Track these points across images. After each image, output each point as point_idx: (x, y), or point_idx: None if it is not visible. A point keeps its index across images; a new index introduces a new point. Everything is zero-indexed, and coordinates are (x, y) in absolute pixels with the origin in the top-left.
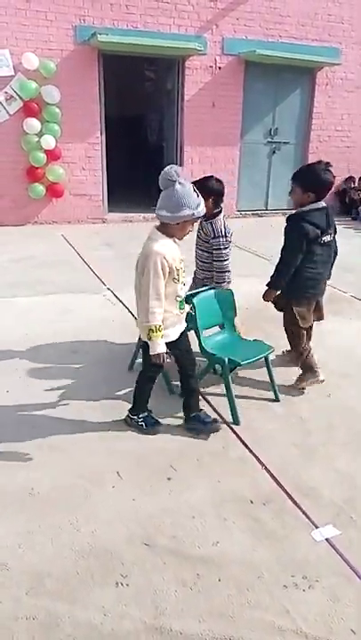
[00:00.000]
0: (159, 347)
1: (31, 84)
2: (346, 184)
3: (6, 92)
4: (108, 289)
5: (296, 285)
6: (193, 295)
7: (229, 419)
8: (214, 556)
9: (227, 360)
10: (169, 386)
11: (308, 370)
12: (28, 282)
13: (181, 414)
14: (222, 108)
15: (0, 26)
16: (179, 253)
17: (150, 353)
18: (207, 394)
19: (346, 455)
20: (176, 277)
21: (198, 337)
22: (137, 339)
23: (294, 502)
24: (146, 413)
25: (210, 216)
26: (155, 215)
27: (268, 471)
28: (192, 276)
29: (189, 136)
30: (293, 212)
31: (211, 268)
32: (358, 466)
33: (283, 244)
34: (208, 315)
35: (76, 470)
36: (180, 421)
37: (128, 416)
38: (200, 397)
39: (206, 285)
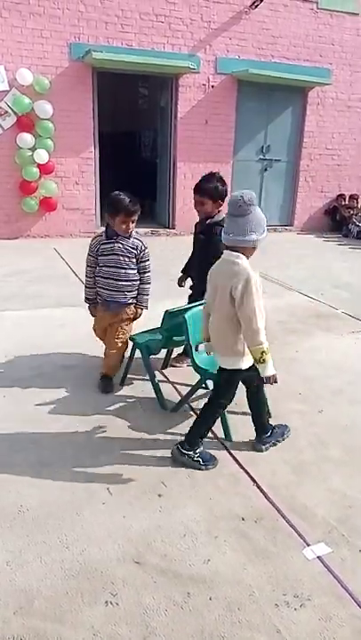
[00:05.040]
0: (272, 367)
1: (25, 99)
2: (336, 202)
3: (0, 108)
4: None
5: None
6: (185, 310)
7: (221, 435)
8: (205, 574)
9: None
10: (161, 401)
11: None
12: (21, 296)
13: (173, 430)
14: (215, 125)
15: None
16: None
17: (266, 374)
18: (198, 409)
19: (338, 472)
20: None
21: (191, 352)
22: (129, 354)
23: (286, 520)
24: (201, 447)
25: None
26: (236, 240)
27: (260, 488)
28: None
29: (182, 152)
30: (213, 221)
31: None
32: (351, 483)
33: (214, 250)
34: (200, 330)
35: (65, 487)
36: (172, 437)
37: (180, 451)
38: (192, 413)
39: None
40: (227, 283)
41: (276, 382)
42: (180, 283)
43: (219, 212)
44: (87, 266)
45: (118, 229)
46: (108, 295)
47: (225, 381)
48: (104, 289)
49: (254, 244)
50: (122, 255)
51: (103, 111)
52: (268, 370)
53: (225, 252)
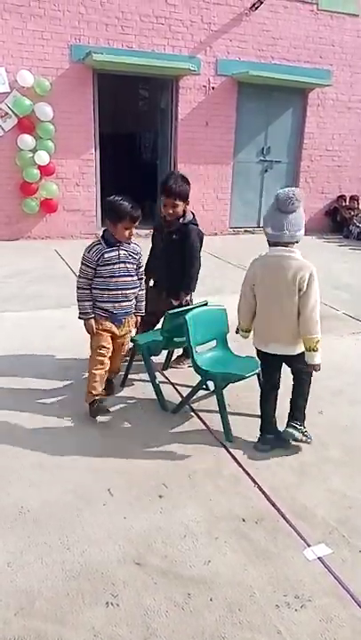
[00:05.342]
0: (320, 356)
1: (25, 101)
2: (337, 203)
3: (1, 109)
4: None
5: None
6: (186, 311)
7: (222, 436)
8: (206, 575)
9: (219, 376)
10: (162, 402)
11: None
12: (21, 297)
13: (174, 431)
14: (216, 127)
15: None
16: None
17: (316, 362)
18: (199, 410)
19: (338, 473)
20: None
21: (191, 353)
22: (130, 355)
23: (287, 521)
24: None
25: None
26: (289, 235)
27: (261, 489)
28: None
29: (183, 154)
30: (186, 220)
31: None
32: (350, 484)
33: (191, 249)
34: (201, 331)
35: (66, 488)
36: (173, 438)
37: (295, 427)
38: (192, 414)
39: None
40: (292, 276)
41: (319, 370)
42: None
43: (185, 211)
44: (82, 278)
45: (120, 236)
46: (117, 307)
47: (302, 362)
48: (111, 301)
49: (299, 238)
50: (128, 262)
51: (104, 113)
52: (317, 358)
53: (275, 248)
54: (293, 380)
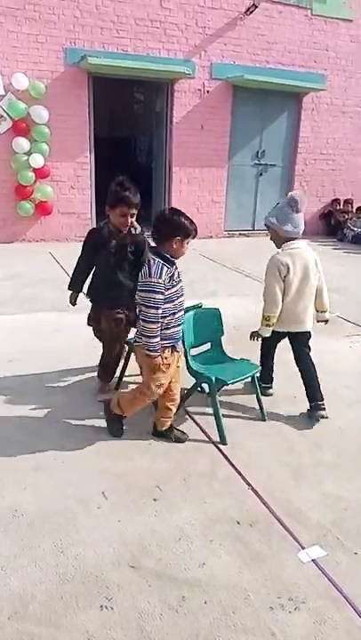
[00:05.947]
0: None
1: (20, 104)
2: (331, 206)
3: None
4: None
5: None
6: None
7: (216, 438)
8: (200, 578)
9: (214, 379)
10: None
11: None
12: (16, 300)
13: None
14: (211, 130)
15: None
16: None
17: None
18: (194, 413)
19: (332, 475)
20: None
21: (186, 355)
22: (124, 357)
23: (281, 523)
24: None
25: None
26: (300, 232)
27: (256, 492)
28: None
29: (178, 157)
30: (138, 230)
31: None
32: (345, 486)
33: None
34: (195, 333)
35: (61, 491)
36: (169, 440)
37: (324, 407)
38: (187, 417)
39: None
40: (314, 262)
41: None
42: (75, 301)
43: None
44: (159, 309)
45: (180, 253)
46: (179, 331)
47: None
48: (177, 325)
49: None
50: (181, 281)
51: (99, 116)
52: (328, 314)
53: (293, 242)
54: (299, 359)
